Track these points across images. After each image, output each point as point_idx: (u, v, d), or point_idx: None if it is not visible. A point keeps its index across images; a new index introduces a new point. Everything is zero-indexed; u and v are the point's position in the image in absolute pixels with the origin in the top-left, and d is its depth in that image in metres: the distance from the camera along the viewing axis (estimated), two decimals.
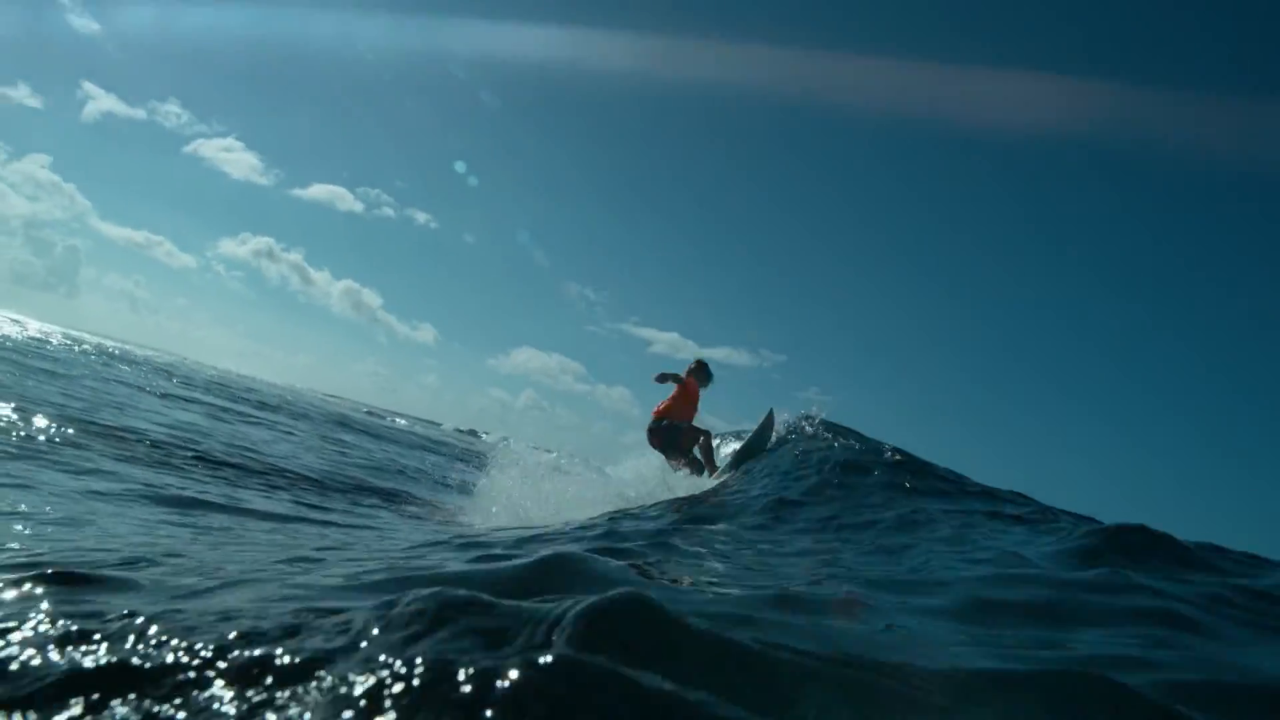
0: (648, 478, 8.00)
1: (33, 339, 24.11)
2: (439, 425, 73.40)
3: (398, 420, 49.74)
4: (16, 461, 4.85)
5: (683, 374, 8.85)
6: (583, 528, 4.73)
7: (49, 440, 6.04)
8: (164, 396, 13.48)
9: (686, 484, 7.69)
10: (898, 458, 7.28)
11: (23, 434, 6.01)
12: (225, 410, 13.69)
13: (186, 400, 13.84)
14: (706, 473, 8.46)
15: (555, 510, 6.54)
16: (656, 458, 8.77)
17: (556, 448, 9.70)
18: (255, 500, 5.53)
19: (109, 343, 50.98)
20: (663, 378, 8.71)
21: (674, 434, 8.58)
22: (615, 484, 7.96)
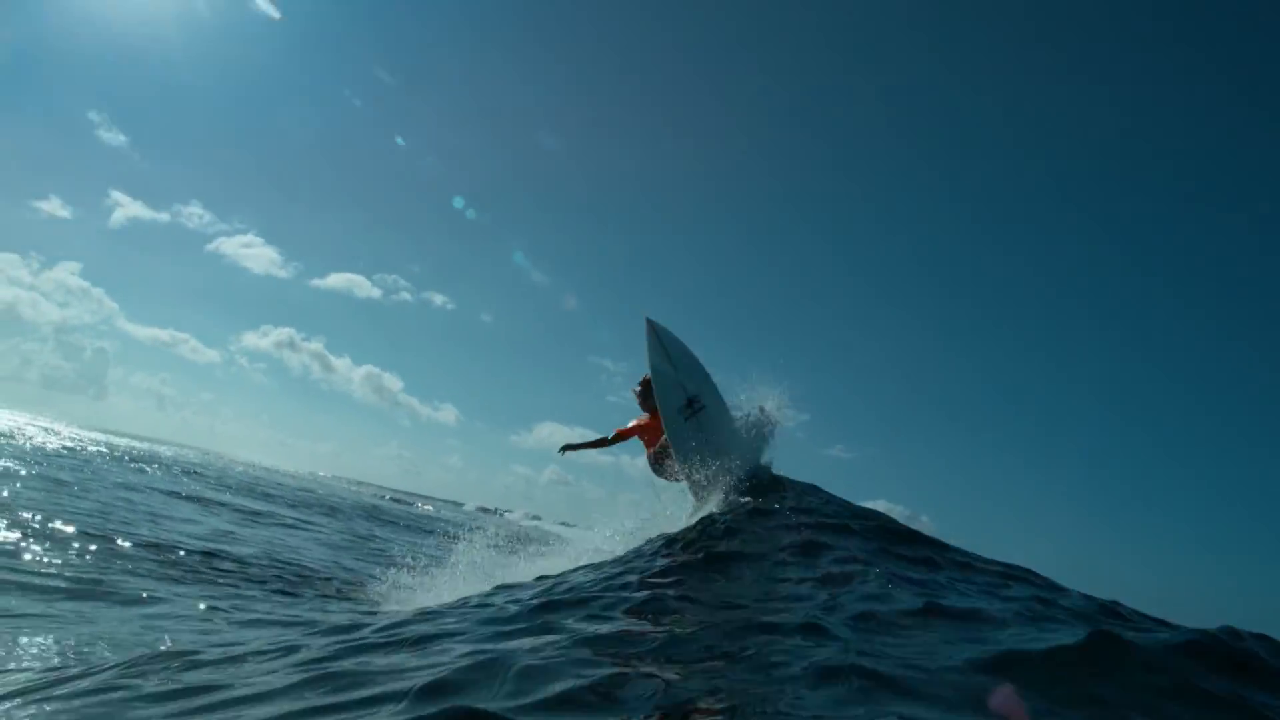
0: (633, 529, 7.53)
1: (66, 447, 24.51)
2: (461, 505, 73.10)
3: (423, 506, 49.63)
4: (73, 601, 4.94)
5: (638, 398, 8.54)
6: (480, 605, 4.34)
7: (97, 563, 6.19)
8: (197, 501, 13.68)
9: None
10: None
11: (70, 559, 6.17)
12: (258, 514, 13.84)
13: (219, 504, 14.02)
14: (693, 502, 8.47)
15: (485, 579, 6.40)
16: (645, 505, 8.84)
17: (581, 521, 9.62)
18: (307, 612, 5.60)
19: (137, 444, 51.59)
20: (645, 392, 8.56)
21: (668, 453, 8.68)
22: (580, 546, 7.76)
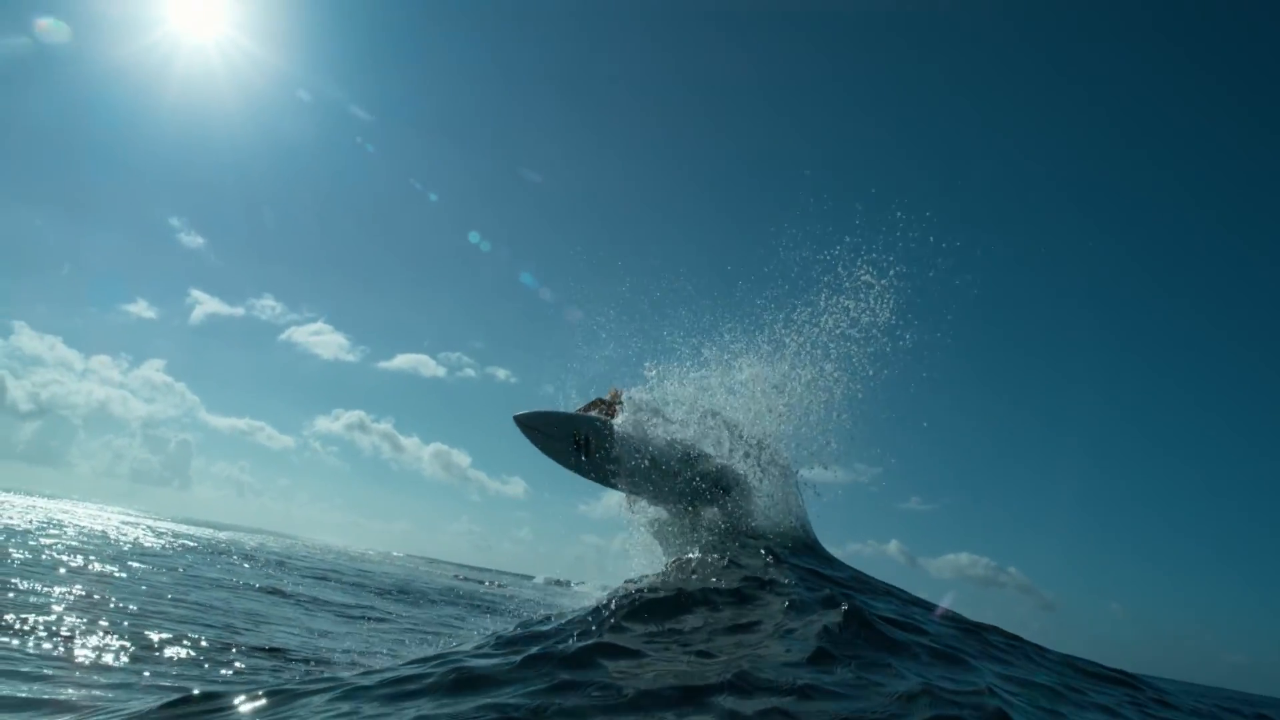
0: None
1: (159, 544, 25.12)
2: (532, 579, 72.48)
3: (494, 584, 49.39)
4: None
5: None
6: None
7: (209, 674, 6.11)
8: (288, 596, 13.75)
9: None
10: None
11: (181, 670, 6.11)
12: (351, 607, 13.82)
13: (311, 599, 14.06)
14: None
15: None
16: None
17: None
18: None
19: (221, 534, 52.83)
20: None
21: None
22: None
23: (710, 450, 9.29)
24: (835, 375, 10.27)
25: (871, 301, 10.60)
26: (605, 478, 9.29)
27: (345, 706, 4.09)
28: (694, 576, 7.10)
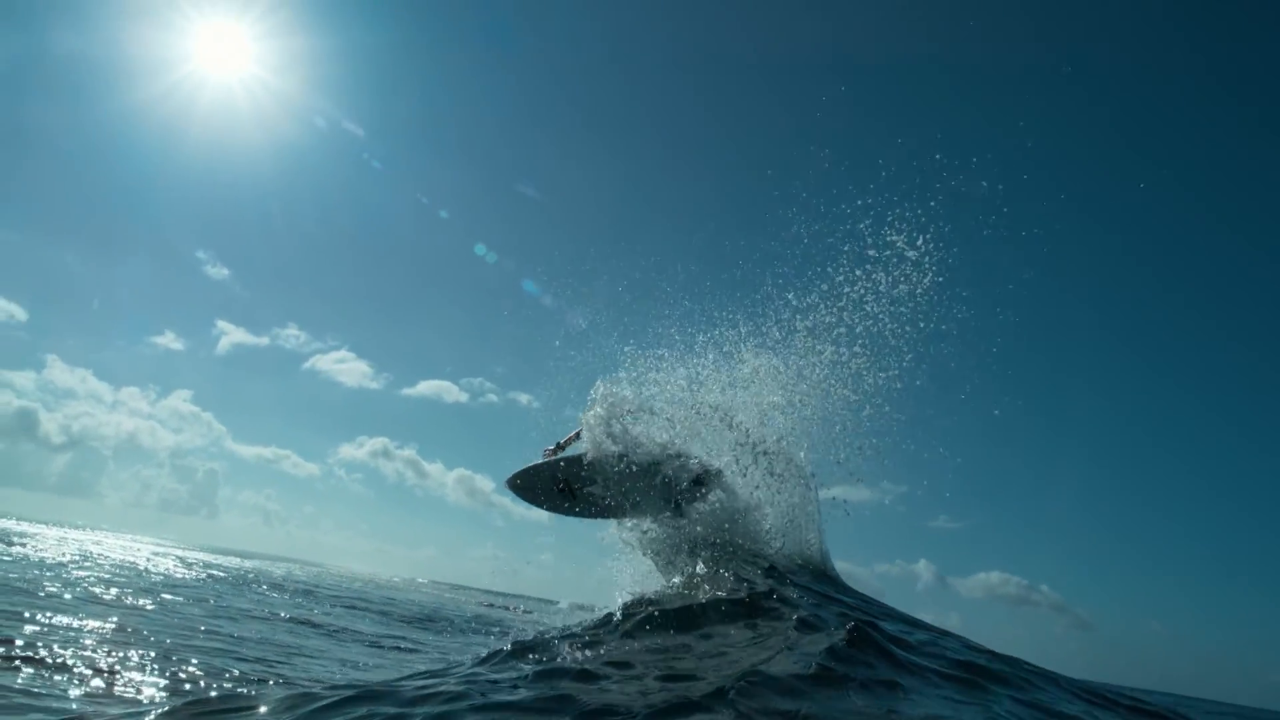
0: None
1: (188, 574, 25.24)
2: (556, 604, 72.16)
3: (518, 610, 49.11)
4: None
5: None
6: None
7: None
8: (318, 627, 13.70)
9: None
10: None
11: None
12: (382, 637, 13.76)
13: (341, 629, 14.01)
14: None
15: None
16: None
17: None
18: None
19: (248, 562, 53.12)
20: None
21: None
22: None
23: (687, 447, 8.82)
24: (859, 364, 9.52)
25: (905, 274, 9.72)
26: (603, 512, 9.01)
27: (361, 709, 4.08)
28: (687, 594, 6.94)
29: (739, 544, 8.31)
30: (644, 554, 9.00)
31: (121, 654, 7.79)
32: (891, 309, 9.83)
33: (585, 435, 8.91)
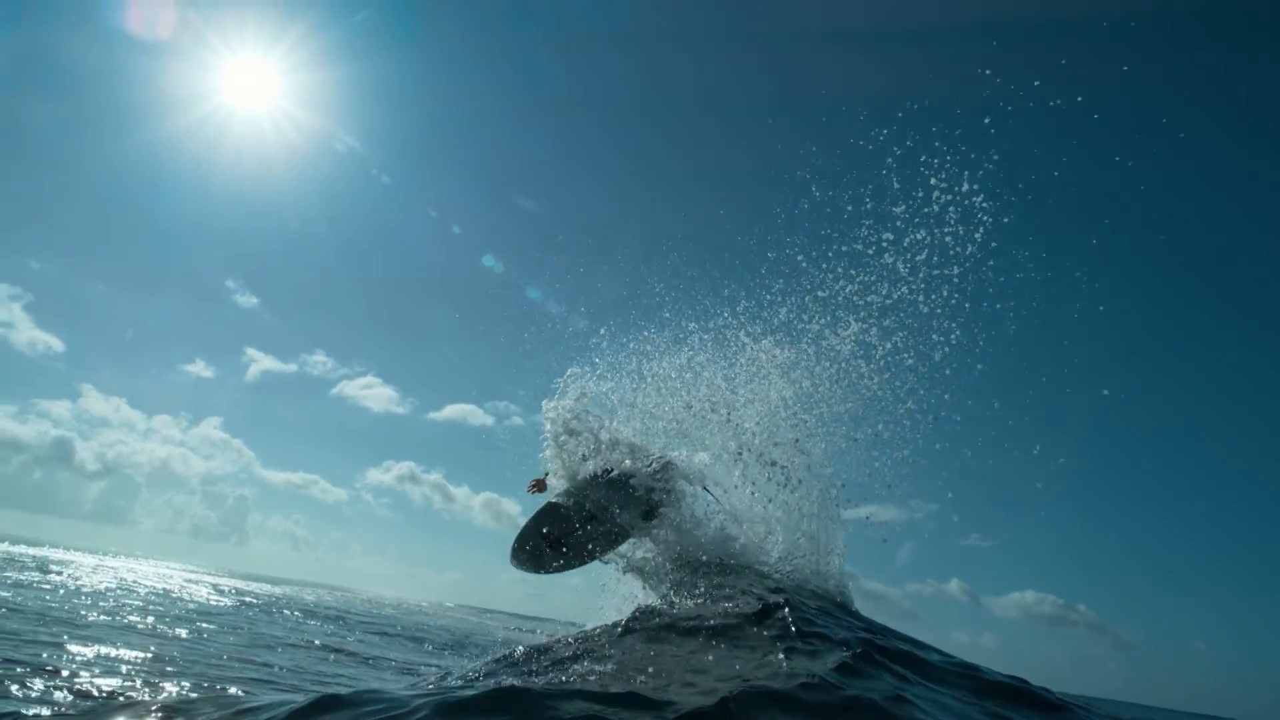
0: None
1: (221, 601, 25.36)
2: (583, 627, 71.69)
3: (548, 633, 48.85)
4: None
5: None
6: None
7: None
8: (352, 655, 13.65)
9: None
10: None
11: None
12: (415, 664, 13.68)
13: (376, 657, 13.95)
14: None
15: None
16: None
17: None
18: None
19: (277, 589, 53.36)
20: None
21: None
22: None
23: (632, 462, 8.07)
24: (890, 349, 8.53)
25: (948, 229, 8.45)
26: (596, 552, 8.43)
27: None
28: (683, 606, 6.66)
29: (734, 560, 7.68)
30: (626, 573, 8.51)
31: (160, 684, 7.78)
32: (937, 273, 8.69)
33: (552, 467, 8.46)
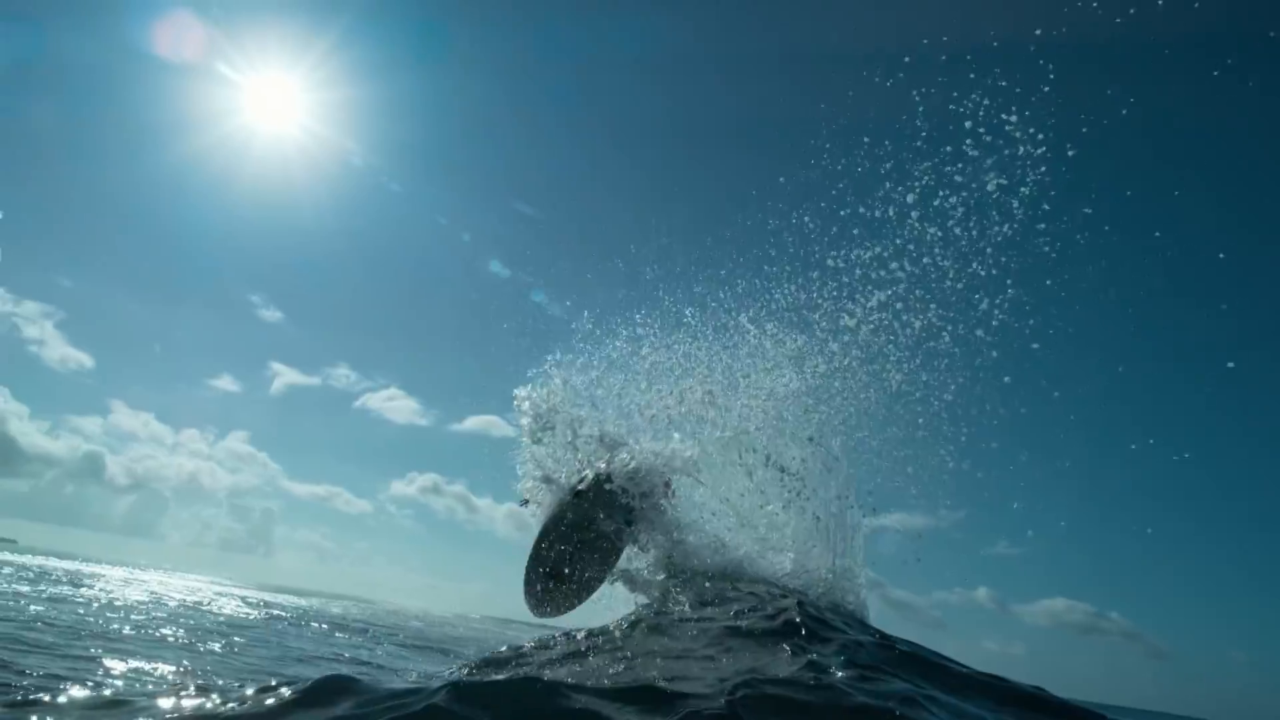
0: None
1: (260, 617, 25.59)
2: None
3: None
4: None
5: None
6: None
7: None
8: (383, 669, 13.72)
9: None
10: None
11: None
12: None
13: (408, 674, 14.01)
14: None
15: None
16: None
17: None
18: None
19: (304, 601, 53.72)
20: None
21: None
22: None
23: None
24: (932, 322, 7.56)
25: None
26: (597, 571, 7.89)
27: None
28: (686, 609, 6.49)
29: (736, 569, 7.14)
30: (620, 584, 7.96)
31: (197, 700, 7.87)
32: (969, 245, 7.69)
33: (526, 485, 8.13)
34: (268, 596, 51.15)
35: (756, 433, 7.79)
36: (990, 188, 7.41)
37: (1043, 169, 7.34)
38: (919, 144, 8.01)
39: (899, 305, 7.90)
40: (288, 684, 4.59)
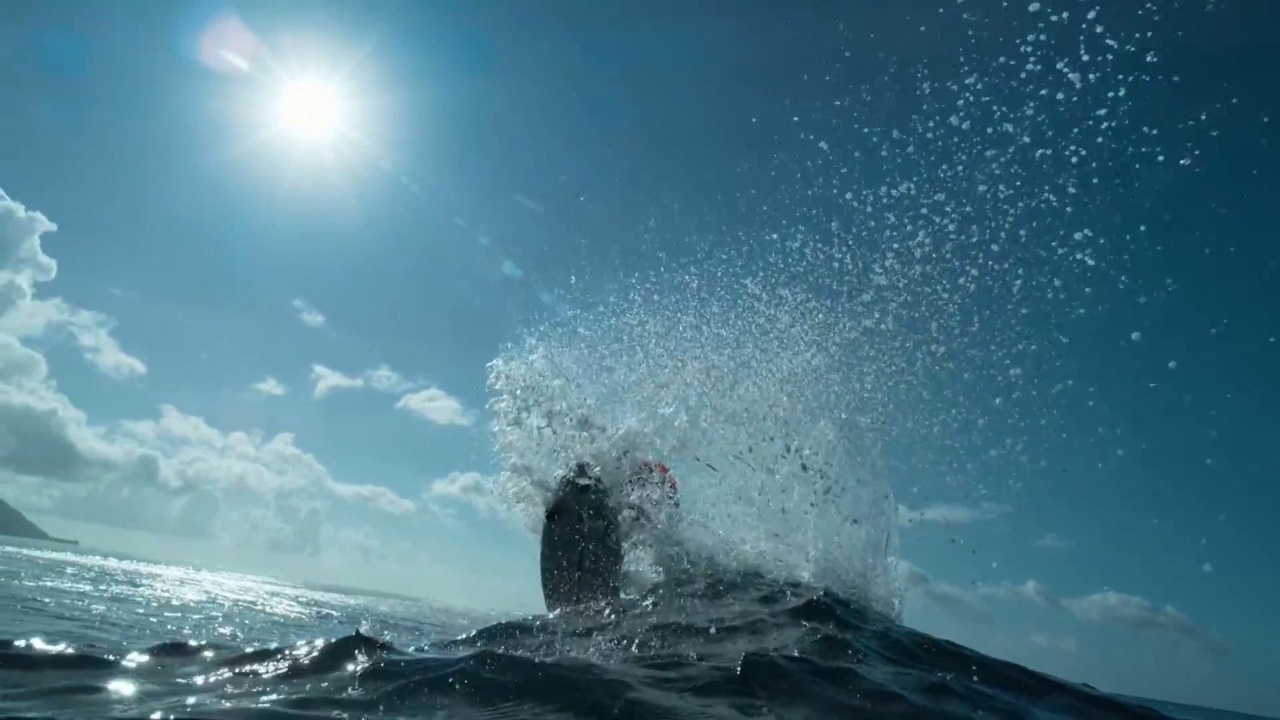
0: None
1: (311, 615, 26.13)
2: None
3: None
4: None
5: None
6: None
7: None
8: None
9: None
10: None
11: None
12: None
13: None
14: None
15: None
16: None
17: None
18: None
19: (351, 599, 54.56)
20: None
21: None
22: None
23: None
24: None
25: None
26: (605, 566, 7.31)
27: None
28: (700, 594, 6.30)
29: (748, 564, 6.50)
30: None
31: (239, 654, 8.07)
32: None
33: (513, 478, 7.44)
34: (317, 595, 51.99)
35: (773, 411, 6.72)
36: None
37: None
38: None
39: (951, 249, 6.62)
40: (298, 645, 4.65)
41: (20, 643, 5.52)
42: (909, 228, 6.91)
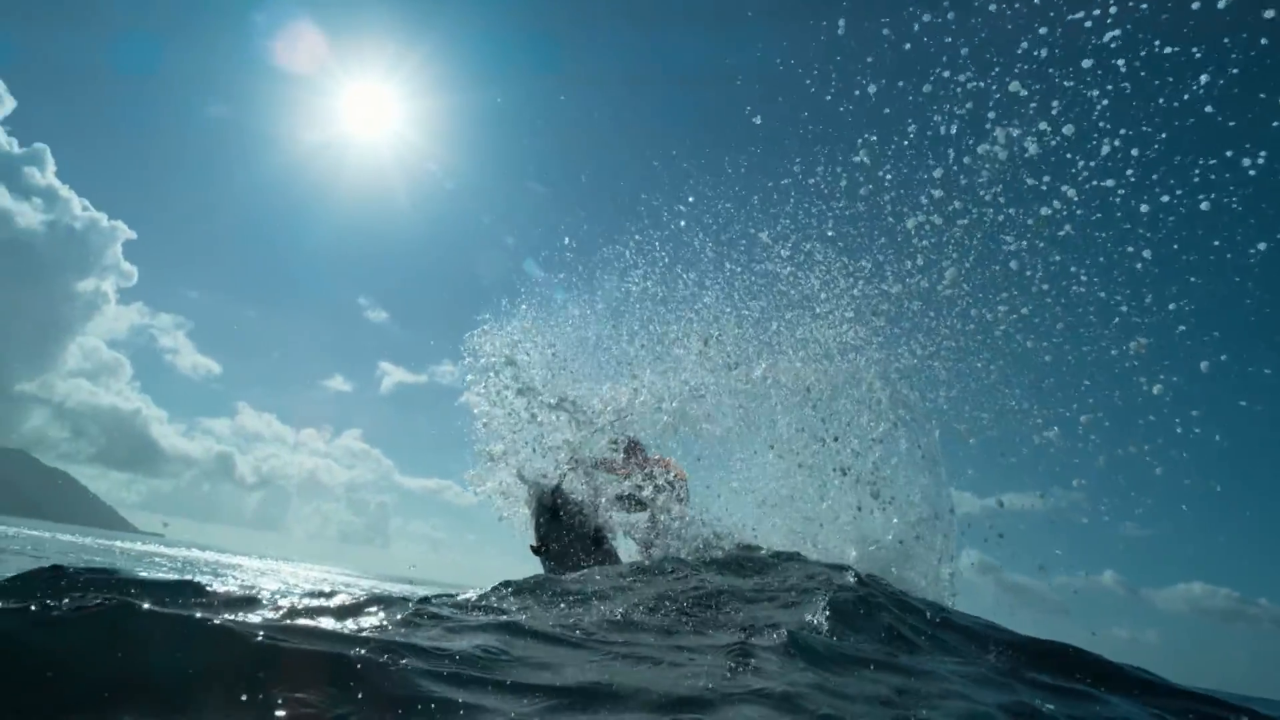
0: None
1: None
2: None
3: None
4: None
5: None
6: None
7: None
8: None
9: None
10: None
11: None
12: None
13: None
14: None
15: None
16: None
17: None
18: None
19: (421, 591, 55.67)
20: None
21: None
22: None
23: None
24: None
25: None
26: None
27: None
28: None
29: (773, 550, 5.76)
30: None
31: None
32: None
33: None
34: (389, 586, 53.20)
35: (813, 390, 5.80)
36: None
37: None
38: None
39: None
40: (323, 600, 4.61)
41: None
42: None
